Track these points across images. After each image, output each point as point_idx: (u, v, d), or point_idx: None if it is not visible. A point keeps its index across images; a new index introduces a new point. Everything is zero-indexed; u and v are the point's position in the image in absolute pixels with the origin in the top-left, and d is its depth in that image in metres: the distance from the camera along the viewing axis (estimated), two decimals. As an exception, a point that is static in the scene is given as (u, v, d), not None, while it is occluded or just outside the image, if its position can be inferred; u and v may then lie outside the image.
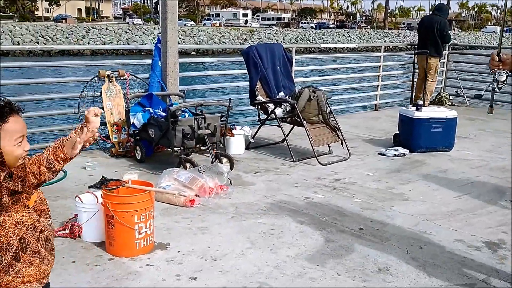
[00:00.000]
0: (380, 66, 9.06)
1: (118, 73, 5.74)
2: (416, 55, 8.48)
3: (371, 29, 66.97)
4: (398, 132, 6.40)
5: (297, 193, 4.55)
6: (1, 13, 59.57)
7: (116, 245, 3.21)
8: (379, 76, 9.10)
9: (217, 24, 58.70)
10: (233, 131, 5.74)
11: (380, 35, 58.23)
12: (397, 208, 4.24)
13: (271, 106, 5.80)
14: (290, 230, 3.72)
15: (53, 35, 37.72)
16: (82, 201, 3.42)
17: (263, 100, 5.83)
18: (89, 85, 5.63)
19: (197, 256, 3.26)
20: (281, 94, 5.97)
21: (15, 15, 57.63)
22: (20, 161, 1.64)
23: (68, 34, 38.51)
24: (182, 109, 5.01)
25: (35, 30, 37.63)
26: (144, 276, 2.98)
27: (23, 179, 1.54)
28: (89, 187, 3.33)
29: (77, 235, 3.42)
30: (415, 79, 8.57)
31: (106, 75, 5.63)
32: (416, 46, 8.64)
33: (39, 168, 1.54)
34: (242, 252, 3.34)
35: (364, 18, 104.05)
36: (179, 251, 3.32)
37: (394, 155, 5.90)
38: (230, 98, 5.15)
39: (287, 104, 5.77)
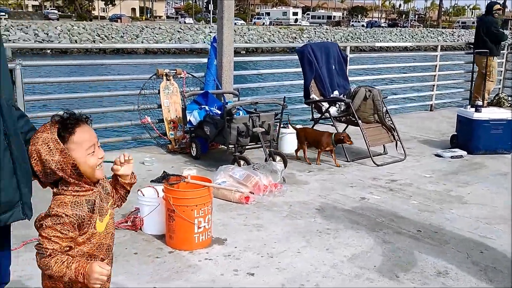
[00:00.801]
0: (436, 66, 8.82)
1: (175, 71, 5.88)
2: (474, 54, 8.21)
3: (424, 28, 65.21)
4: (455, 133, 6.22)
5: (352, 193, 4.52)
6: (60, 13, 62.02)
7: (176, 239, 3.30)
8: (435, 75, 8.86)
9: (261, 23, 58.63)
10: (285, 130, 5.75)
11: (433, 34, 56.64)
12: (456, 211, 4.13)
13: (325, 105, 5.77)
14: (346, 230, 3.70)
15: (109, 34, 38.98)
16: (144, 195, 3.53)
17: (317, 98, 5.82)
18: (147, 83, 5.79)
19: (253, 253, 3.30)
20: (336, 93, 5.93)
21: (73, 15, 59.95)
22: (97, 172, 1.63)
23: (123, 33, 39.70)
24: (237, 107, 5.07)
25: (92, 29, 39.01)
26: (203, 270, 3.05)
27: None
28: (151, 181, 3.44)
29: (139, 227, 3.54)
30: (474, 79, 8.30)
31: (164, 73, 5.78)
32: (473, 46, 8.43)
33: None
34: (298, 250, 3.35)
35: (416, 17, 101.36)
36: (236, 247, 3.38)
37: (452, 157, 5.74)
38: (284, 97, 5.17)
39: (342, 103, 5.73)
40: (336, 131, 5.65)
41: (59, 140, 1.54)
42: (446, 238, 3.61)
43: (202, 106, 5.42)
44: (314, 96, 5.85)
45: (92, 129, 1.66)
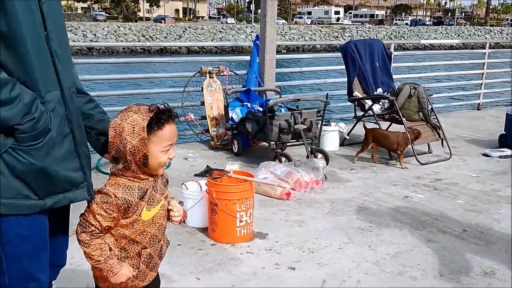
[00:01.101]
0: (484, 64, 8.55)
1: (218, 69, 5.95)
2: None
3: (471, 26, 63.24)
4: (504, 132, 6.02)
5: (396, 191, 4.45)
6: (107, 14, 63.81)
7: (218, 232, 3.36)
8: (483, 74, 8.60)
9: (302, 23, 58.25)
10: (328, 127, 5.72)
11: (481, 32, 54.87)
12: (504, 212, 4.00)
13: (369, 102, 5.71)
14: (389, 228, 3.65)
15: (153, 35, 39.82)
16: (187, 189, 3.60)
17: (361, 96, 5.76)
18: (191, 81, 5.89)
19: (294, 248, 3.31)
20: (379, 90, 5.86)
21: (120, 16, 61.55)
22: (161, 169, 1.65)
23: (167, 34, 40.46)
24: (279, 104, 5.09)
25: (137, 30, 39.95)
26: (244, 263, 3.08)
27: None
28: (195, 175, 3.51)
29: (182, 220, 3.61)
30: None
31: (208, 71, 5.86)
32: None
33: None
34: (340, 246, 3.34)
35: (463, 15, 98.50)
36: (277, 241, 3.40)
37: (500, 157, 5.57)
38: (327, 94, 5.15)
39: (386, 100, 5.65)
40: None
41: (146, 129, 1.54)
42: (493, 238, 3.51)
43: (244, 103, 5.47)
44: (357, 93, 5.80)
45: (176, 128, 1.68)
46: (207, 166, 3.48)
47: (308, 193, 4.31)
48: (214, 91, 5.92)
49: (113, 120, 1.59)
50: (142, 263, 1.71)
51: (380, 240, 3.44)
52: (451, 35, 51.33)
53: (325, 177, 4.64)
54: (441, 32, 51.93)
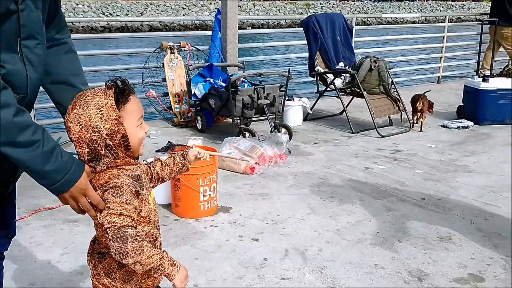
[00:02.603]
0: (443, 37, 8.71)
1: (179, 44, 5.86)
2: (483, 24, 8.05)
3: (433, 1, 64.13)
4: (462, 104, 6.19)
5: (357, 163, 4.53)
6: (65, -8, 61.58)
7: (182, 207, 3.35)
8: (442, 47, 8.76)
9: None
10: (291, 102, 5.74)
11: (442, 7, 55.70)
12: (461, 180, 4.14)
13: (331, 76, 5.75)
14: (350, 198, 3.73)
15: (113, 12, 38.73)
16: (149, 165, 3.56)
17: (322, 70, 5.79)
18: (152, 57, 5.78)
19: (258, 220, 3.35)
20: (341, 64, 5.90)
21: (78, -7, 59.53)
22: (141, 147, 1.50)
23: (128, 11, 39.44)
24: (241, 79, 5.06)
25: (97, 7, 38.75)
26: (208, 236, 3.10)
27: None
28: (156, 151, 3.48)
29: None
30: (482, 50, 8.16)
31: (168, 46, 5.76)
32: (488, 15, 8.18)
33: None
34: (302, 217, 3.39)
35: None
36: (241, 214, 3.42)
37: (458, 127, 5.73)
38: (289, 68, 5.15)
39: (347, 74, 5.70)
40: (341, 103, 5.65)
41: (115, 107, 1.38)
42: (450, 205, 3.63)
43: (207, 79, 5.42)
44: (319, 68, 5.82)
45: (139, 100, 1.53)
46: (169, 142, 3.45)
47: (272, 167, 4.34)
48: (175, 67, 5.83)
49: (70, 114, 1.40)
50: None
51: (341, 210, 3.51)
52: (414, 10, 51.92)
53: (289, 151, 4.68)
54: (403, 8, 52.43)
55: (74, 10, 37.02)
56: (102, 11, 38.29)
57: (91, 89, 1.42)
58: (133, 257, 1.35)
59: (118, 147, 1.40)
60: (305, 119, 5.99)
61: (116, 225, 1.35)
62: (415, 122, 5.72)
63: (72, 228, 3.16)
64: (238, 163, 4.16)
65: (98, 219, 1.41)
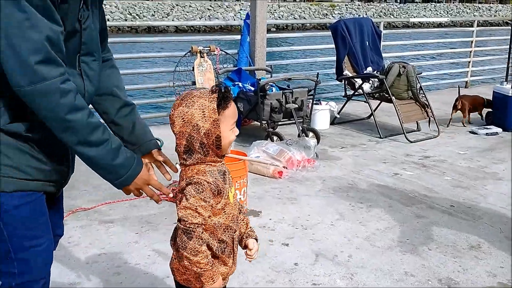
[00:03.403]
0: (472, 42, 8.62)
1: (209, 48, 5.95)
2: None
3: (460, 3, 63.18)
4: (491, 110, 6.12)
5: (385, 168, 4.55)
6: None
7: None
8: (471, 52, 8.67)
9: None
10: (318, 106, 5.77)
11: (469, 9, 54.87)
12: (490, 187, 4.12)
13: (359, 81, 5.76)
14: (379, 204, 3.75)
15: (140, 13, 39.24)
16: (181, 168, 3.65)
17: (350, 75, 5.81)
18: (182, 60, 5.89)
19: (288, 224, 3.40)
20: (369, 69, 5.91)
21: (105, -6, 60.46)
22: (230, 148, 1.63)
23: (154, 12, 39.92)
24: (270, 83, 5.12)
25: (124, 7, 39.34)
26: (239, 240, 3.16)
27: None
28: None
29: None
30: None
31: (199, 50, 5.86)
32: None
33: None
34: (332, 223, 3.43)
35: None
36: (270, 219, 3.48)
37: (487, 134, 5.68)
38: (318, 73, 5.19)
39: (375, 79, 5.71)
40: (369, 108, 5.67)
41: (216, 110, 1.52)
42: (479, 213, 3.63)
43: (236, 83, 5.50)
44: (347, 72, 5.84)
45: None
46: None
47: (300, 171, 4.38)
48: (205, 71, 5.92)
49: (176, 110, 1.54)
50: (235, 247, 1.68)
51: (370, 216, 3.54)
52: (440, 13, 51.26)
53: (316, 156, 4.72)
54: (430, 10, 51.83)
55: (101, 10, 37.60)
56: (129, 11, 38.84)
57: (198, 90, 1.57)
58: (188, 254, 1.51)
59: (211, 145, 1.53)
60: (332, 123, 6.02)
61: (188, 221, 1.50)
62: (449, 122, 6.00)
63: (108, 228, 3.26)
64: (267, 167, 4.22)
65: (176, 207, 1.55)
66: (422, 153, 5.03)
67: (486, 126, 5.92)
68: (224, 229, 1.61)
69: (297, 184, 4.15)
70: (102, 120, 1.60)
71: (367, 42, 6.02)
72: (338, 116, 5.99)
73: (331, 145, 5.27)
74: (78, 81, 1.49)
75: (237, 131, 1.63)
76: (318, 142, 5.05)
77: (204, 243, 1.53)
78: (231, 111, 1.58)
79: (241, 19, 6.14)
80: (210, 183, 1.53)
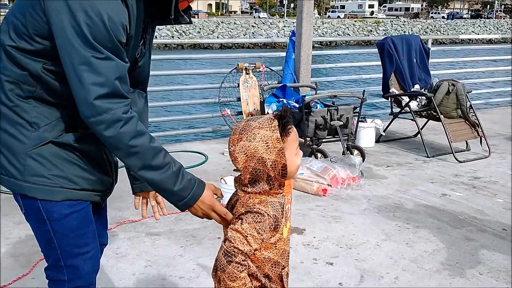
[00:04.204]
0: (525, 58, 8.34)
1: (254, 65, 6.02)
2: None
3: (511, 19, 61.31)
4: (546, 130, 5.88)
5: (433, 189, 4.43)
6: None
7: (256, 226, 3.42)
8: (524, 69, 8.38)
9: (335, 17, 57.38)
10: (364, 123, 5.71)
11: (521, 24, 53.16)
12: (546, 211, 3.94)
13: (405, 99, 5.67)
14: (426, 225, 3.65)
15: (186, 30, 40.23)
16: (226, 183, 3.69)
17: (397, 92, 5.73)
18: (228, 77, 5.98)
19: (332, 243, 3.35)
20: (416, 87, 5.81)
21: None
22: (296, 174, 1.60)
23: (200, 29, 40.86)
24: (315, 100, 5.12)
25: (171, 25, 40.39)
26: (282, 257, 3.14)
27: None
28: (234, 170, 3.58)
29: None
30: None
31: (244, 67, 5.94)
32: None
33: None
34: (377, 243, 3.36)
35: (502, 7, 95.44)
36: (314, 237, 3.45)
37: (542, 155, 5.45)
38: (364, 90, 5.14)
39: (423, 97, 5.60)
40: (416, 126, 5.56)
41: (280, 139, 1.46)
42: (534, 238, 3.47)
43: (280, 99, 5.52)
44: (394, 90, 5.76)
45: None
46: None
47: (344, 190, 4.33)
48: (250, 87, 5.99)
49: (237, 145, 1.47)
50: (286, 284, 1.59)
51: (417, 237, 3.45)
52: (489, 29, 49.93)
53: (362, 174, 4.65)
54: (479, 26, 50.62)
55: (149, 28, 38.76)
56: (176, 29, 39.89)
57: (255, 120, 1.51)
58: (225, 277, 1.44)
59: (277, 176, 1.48)
60: (378, 140, 5.93)
61: (233, 244, 1.44)
62: None
63: (154, 241, 3.32)
64: (312, 184, 4.19)
65: (228, 228, 1.51)
66: (472, 173, 4.87)
67: (540, 147, 5.68)
68: (272, 264, 1.54)
69: (342, 202, 4.10)
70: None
71: (414, 60, 5.92)
72: (383, 134, 5.90)
73: (377, 163, 5.18)
74: None
75: (301, 154, 1.57)
76: (363, 160, 4.98)
77: (244, 270, 1.46)
78: (294, 135, 1.52)
79: (284, 35, 6.17)
80: (270, 217, 1.47)
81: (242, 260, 1.45)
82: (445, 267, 3.04)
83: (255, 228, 1.45)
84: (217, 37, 39.59)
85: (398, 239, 3.42)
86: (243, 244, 1.45)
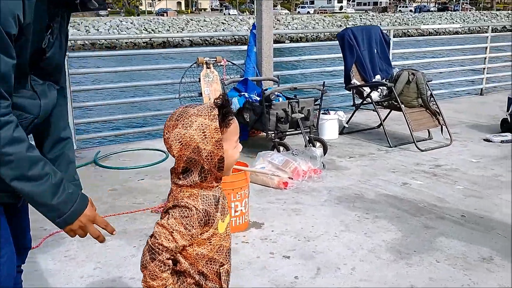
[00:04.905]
0: (486, 48, 8.45)
1: (215, 59, 5.91)
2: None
3: (477, 11, 62.62)
4: (506, 117, 5.95)
5: (394, 178, 4.41)
6: (110, 9, 63.68)
7: (213, 222, 3.33)
8: (485, 58, 8.49)
9: (305, 13, 57.73)
10: (326, 116, 5.68)
11: (487, 16, 54.37)
12: (505, 197, 3.95)
13: (367, 89, 5.65)
14: (386, 215, 3.62)
15: (155, 28, 39.74)
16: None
17: (358, 83, 5.70)
18: (188, 72, 5.85)
19: (290, 236, 3.29)
20: (378, 77, 5.80)
21: (121, 10, 61.43)
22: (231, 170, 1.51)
23: (169, 27, 40.39)
24: (276, 93, 5.05)
25: (139, 23, 39.89)
26: (240, 252, 3.06)
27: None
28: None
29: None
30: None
31: (204, 61, 5.82)
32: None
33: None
34: (336, 234, 3.31)
35: (469, 0, 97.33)
36: (273, 231, 3.37)
37: (502, 141, 5.50)
38: (324, 82, 5.10)
39: (384, 87, 5.59)
40: (378, 117, 5.54)
41: (219, 129, 1.37)
42: (492, 223, 3.47)
43: (242, 93, 5.43)
44: (355, 81, 5.74)
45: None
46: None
47: (306, 182, 4.28)
48: (211, 82, 5.88)
49: (171, 132, 1.38)
50: (224, 282, 1.50)
51: (376, 227, 3.41)
52: (456, 21, 50.85)
53: (323, 166, 4.61)
54: (446, 18, 51.49)
55: (118, 27, 38.21)
56: (144, 27, 39.36)
57: (194, 107, 1.40)
58: (146, 274, 1.38)
59: (212, 168, 1.39)
60: (341, 132, 5.90)
61: (158, 240, 1.37)
62: None
63: (105, 242, 3.17)
64: (271, 177, 4.12)
65: (155, 223, 1.41)
66: (433, 161, 4.88)
67: (501, 134, 5.74)
68: (207, 261, 1.46)
69: (303, 195, 4.04)
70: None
71: (375, 50, 5.91)
72: (346, 125, 5.87)
73: (340, 155, 5.15)
74: (35, 101, 1.47)
75: (240, 147, 1.48)
76: (325, 152, 4.94)
77: (167, 270, 1.38)
78: (234, 127, 1.43)
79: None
80: (199, 211, 1.39)
81: (166, 259, 1.37)
82: (402, 256, 3.01)
83: (182, 224, 1.37)
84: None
85: (357, 230, 3.38)
86: (168, 240, 1.37)
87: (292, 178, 4.24)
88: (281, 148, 4.86)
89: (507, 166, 4.72)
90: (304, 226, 3.45)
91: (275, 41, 6.12)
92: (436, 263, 2.93)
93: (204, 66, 5.85)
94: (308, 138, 4.93)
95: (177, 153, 1.38)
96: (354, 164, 4.84)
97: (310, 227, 3.42)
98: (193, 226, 1.38)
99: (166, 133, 1.39)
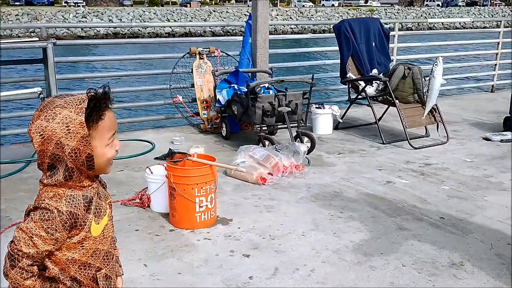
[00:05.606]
0: (498, 43, 8.13)
1: (208, 50, 5.81)
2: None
3: (506, 6, 60.86)
4: (509, 115, 5.70)
5: (379, 176, 4.26)
6: None
7: (177, 217, 3.25)
8: (497, 54, 8.18)
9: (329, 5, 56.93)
10: (320, 110, 5.53)
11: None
12: (491, 199, 3.77)
13: (362, 84, 5.47)
14: (361, 214, 3.48)
15: (178, 19, 39.72)
16: (152, 172, 3.50)
17: (354, 77, 5.53)
18: (180, 62, 5.77)
19: (255, 234, 3.18)
20: (375, 71, 5.61)
21: (146, 1, 61.66)
22: (109, 167, 1.37)
23: (191, 18, 40.35)
24: (262, 85, 4.93)
25: (162, 14, 39.98)
26: (199, 249, 2.98)
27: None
28: (155, 158, 3.41)
29: (146, 205, 3.53)
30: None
31: (197, 52, 5.72)
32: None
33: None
34: (303, 233, 3.19)
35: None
36: (239, 227, 3.27)
37: (501, 140, 5.27)
38: (313, 75, 4.95)
39: (380, 81, 5.41)
40: (373, 112, 5.36)
41: (84, 125, 1.26)
42: (471, 227, 3.30)
43: (232, 85, 5.32)
44: (351, 75, 5.56)
45: (114, 114, 1.38)
46: (170, 149, 3.36)
47: (286, 178, 4.16)
48: (204, 73, 5.78)
49: (33, 123, 1.27)
50: (103, 287, 1.41)
51: (347, 227, 3.28)
52: (484, 16, 49.50)
53: (308, 162, 4.48)
54: (473, 13, 50.19)
55: (141, 17, 38.36)
56: (167, 18, 39.41)
57: (62, 97, 1.29)
58: (10, 283, 1.29)
59: (80, 167, 1.29)
60: (336, 127, 5.74)
61: (17, 246, 1.27)
62: None
63: None
64: (233, 172, 4.04)
65: (16, 227, 1.32)
66: (424, 160, 4.69)
67: (502, 132, 5.50)
68: (79, 266, 1.35)
69: (280, 191, 3.93)
70: None
71: (373, 43, 5.71)
72: (341, 121, 5.70)
73: (329, 151, 5.00)
74: None
75: (118, 145, 1.36)
76: (313, 148, 4.80)
77: (30, 277, 1.28)
78: (107, 123, 1.31)
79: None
80: (62, 213, 1.27)
81: (28, 265, 1.27)
82: (368, 258, 2.88)
83: (43, 227, 1.26)
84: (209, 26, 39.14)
85: (326, 229, 3.25)
86: (28, 246, 1.26)
87: (271, 174, 4.12)
88: (267, 142, 4.74)
89: (502, 166, 4.51)
90: (273, 223, 3.34)
91: (272, 33, 5.98)
92: (401, 267, 2.79)
93: (197, 56, 5.75)
94: (295, 133, 4.80)
95: (38, 147, 1.27)
96: (341, 160, 4.70)
97: (278, 225, 3.31)
98: (56, 230, 1.27)
99: (30, 124, 1.29)
